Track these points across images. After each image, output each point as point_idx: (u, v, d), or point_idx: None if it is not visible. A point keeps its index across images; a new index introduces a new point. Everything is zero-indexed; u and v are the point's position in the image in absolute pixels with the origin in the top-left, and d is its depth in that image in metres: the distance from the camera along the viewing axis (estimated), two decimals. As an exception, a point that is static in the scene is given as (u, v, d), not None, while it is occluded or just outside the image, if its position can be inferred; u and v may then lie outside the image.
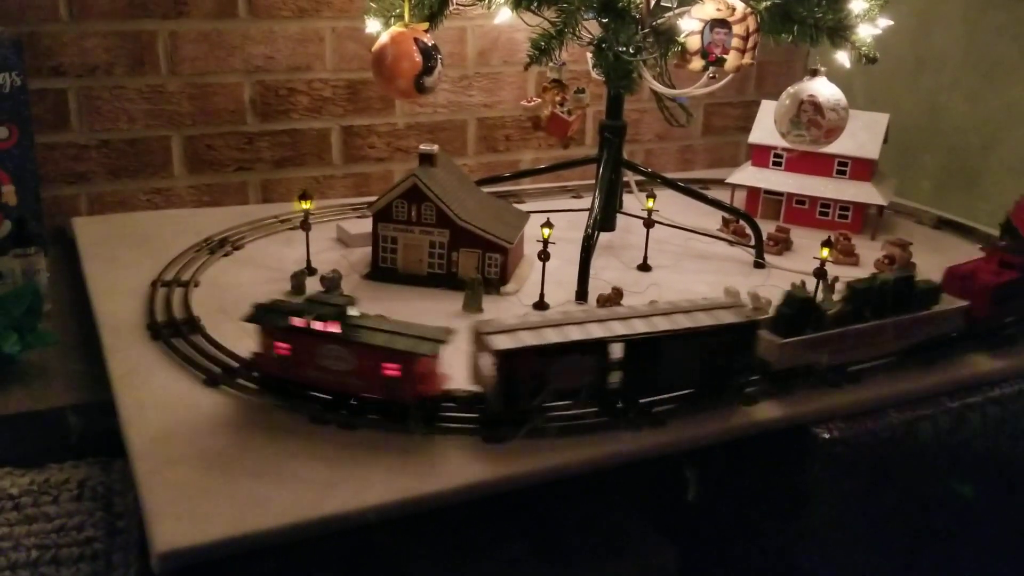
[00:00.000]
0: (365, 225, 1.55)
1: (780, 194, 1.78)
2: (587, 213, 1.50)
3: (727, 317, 1.10)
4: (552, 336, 1.02)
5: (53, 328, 1.31)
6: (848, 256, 1.61)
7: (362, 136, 1.85)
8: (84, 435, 1.15)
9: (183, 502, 0.91)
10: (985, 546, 1.40)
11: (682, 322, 1.08)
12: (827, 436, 1.14)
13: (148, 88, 1.66)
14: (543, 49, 1.36)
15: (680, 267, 1.56)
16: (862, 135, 1.70)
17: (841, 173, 1.73)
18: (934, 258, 1.64)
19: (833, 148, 1.62)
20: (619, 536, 1.20)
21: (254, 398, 1.09)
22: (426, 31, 1.44)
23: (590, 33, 1.45)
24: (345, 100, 1.81)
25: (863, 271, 1.57)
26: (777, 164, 1.78)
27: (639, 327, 1.06)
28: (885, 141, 1.73)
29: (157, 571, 0.85)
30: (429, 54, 1.41)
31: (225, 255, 1.51)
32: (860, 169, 1.72)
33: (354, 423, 1.04)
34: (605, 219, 1.60)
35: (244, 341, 1.20)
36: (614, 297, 1.37)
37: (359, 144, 1.86)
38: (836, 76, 1.51)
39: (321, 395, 1.07)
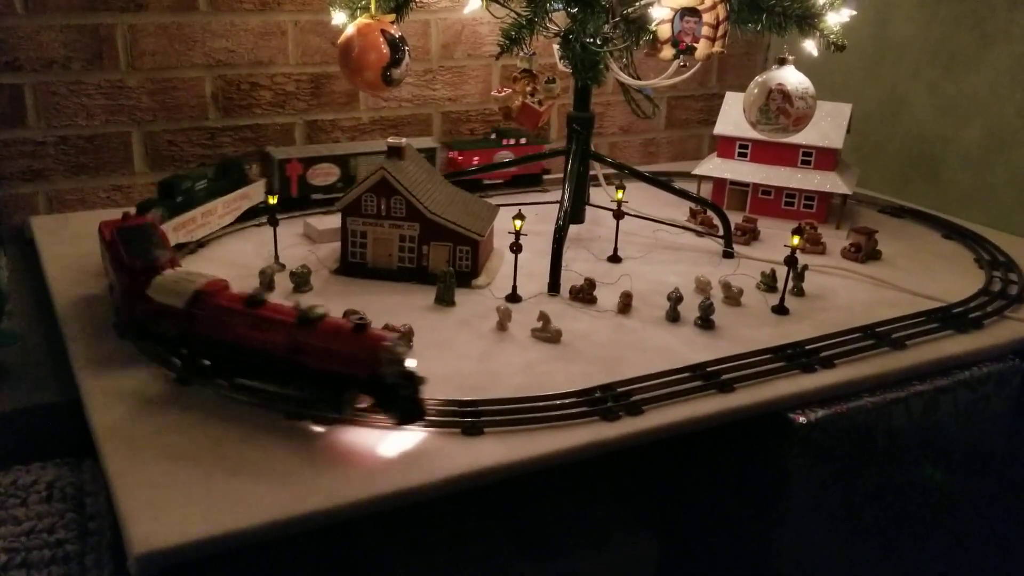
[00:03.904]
0: (332, 221, 1.53)
1: (746, 185, 1.79)
2: (554, 206, 1.50)
3: None
4: None
5: (13, 328, 1.28)
6: (814, 245, 1.62)
7: (326, 130, 1.83)
8: (51, 436, 1.12)
9: (158, 502, 0.89)
10: (959, 528, 1.42)
11: None
12: (803, 421, 1.15)
13: (107, 83, 1.62)
14: (514, 39, 1.35)
15: (650, 258, 1.56)
16: (825, 125, 1.72)
17: (806, 163, 1.75)
18: (898, 246, 1.67)
19: (797, 138, 1.63)
20: (600, 527, 1.20)
21: (227, 395, 1.07)
22: (392, 23, 1.43)
23: (556, 25, 1.45)
24: (308, 94, 1.79)
25: (830, 259, 1.59)
26: (742, 155, 1.79)
27: None
28: (848, 131, 1.75)
29: (134, 573, 0.83)
30: (396, 46, 1.40)
31: (190, 252, 1.49)
32: (824, 159, 1.73)
33: (329, 419, 1.03)
34: (574, 211, 1.60)
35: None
36: (587, 288, 1.37)
37: (323, 139, 1.83)
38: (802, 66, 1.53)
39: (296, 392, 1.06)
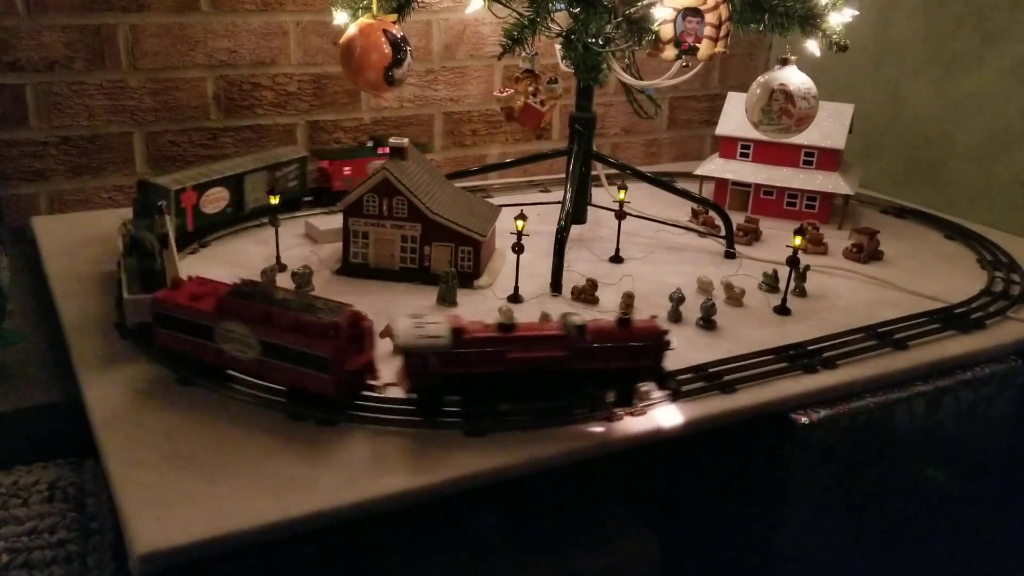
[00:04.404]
0: (333, 221, 1.53)
1: (748, 185, 1.79)
2: (557, 206, 1.50)
3: None
4: None
5: (15, 328, 1.27)
6: (816, 245, 1.62)
7: (328, 131, 1.83)
8: (52, 436, 1.12)
9: (160, 503, 0.88)
10: (961, 528, 1.41)
11: None
12: (805, 421, 1.15)
13: (109, 83, 1.63)
14: (516, 39, 1.35)
15: (652, 259, 1.56)
16: (827, 125, 1.72)
17: (808, 163, 1.74)
18: (900, 246, 1.67)
19: (800, 139, 1.63)
20: (602, 527, 1.20)
21: (229, 395, 1.06)
22: (394, 23, 1.43)
23: (558, 25, 1.45)
24: (310, 95, 1.79)
25: (832, 260, 1.59)
26: (744, 155, 1.79)
27: None
28: (850, 131, 1.74)
29: (136, 574, 0.83)
30: (398, 46, 1.40)
31: (192, 253, 1.48)
32: (826, 159, 1.73)
33: (333, 419, 1.03)
34: (576, 211, 1.60)
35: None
36: (589, 289, 1.37)
37: (325, 139, 1.83)
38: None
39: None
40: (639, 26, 1.35)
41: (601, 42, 1.40)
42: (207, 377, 1.08)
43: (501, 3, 1.43)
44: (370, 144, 1.74)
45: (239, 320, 1.03)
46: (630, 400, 1.07)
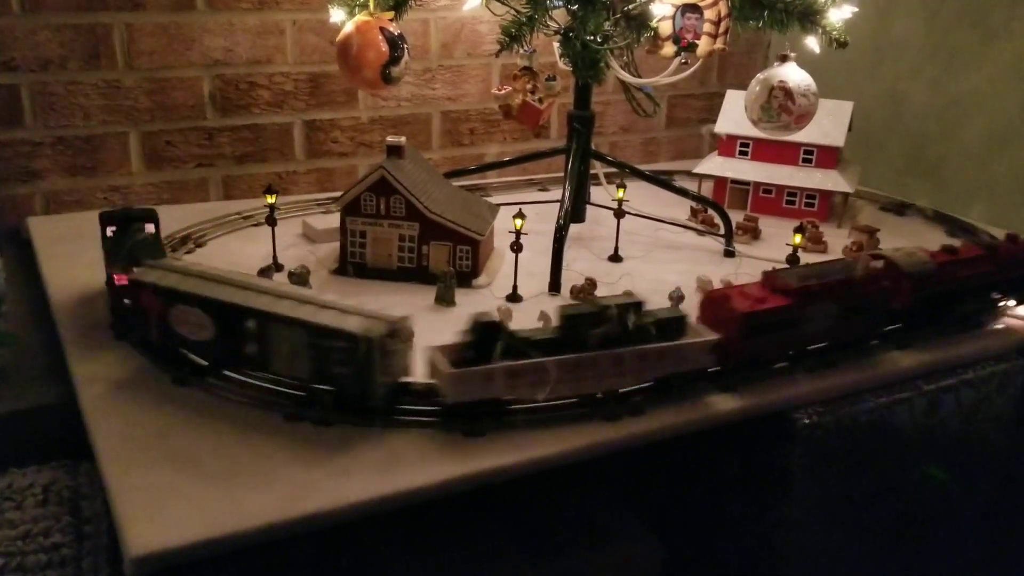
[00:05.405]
0: (331, 220, 1.53)
1: (747, 183, 1.78)
2: (555, 205, 1.49)
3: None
4: None
5: (10, 329, 1.27)
6: (816, 243, 1.62)
7: (325, 130, 1.83)
8: (47, 438, 1.11)
9: (155, 505, 0.88)
10: (961, 528, 1.41)
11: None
12: (806, 421, 1.14)
13: (104, 83, 1.62)
14: (514, 36, 1.35)
15: (651, 257, 1.55)
16: (827, 123, 1.71)
17: (807, 161, 1.74)
18: (900, 244, 1.66)
19: (799, 136, 1.62)
20: (603, 528, 1.19)
21: (225, 396, 1.06)
22: (391, 21, 1.42)
23: (556, 23, 1.44)
24: (307, 94, 1.78)
25: (831, 258, 1.58)
26: (743, 153, 1.78)
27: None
28: (850, 129, 1.74)
29: (130, 576, 0.82)
30: (395, 43, 1.39)
31: (188, 252, 1.48)
32: (826, 157, 1.73)
33: (329, 420, 1.02)
34: (575, 210, 1.59)
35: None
36: (588, 288, 1.36)
37: (322, 139, 1.83)
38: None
39: (294, 392, 1.05)
40: (638, 23, 1.34)
41: (599, 39, 1.40)
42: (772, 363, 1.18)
43: (499, 1, 1.42)
44: None
45: (826, 300, 1.16)
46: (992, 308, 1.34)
